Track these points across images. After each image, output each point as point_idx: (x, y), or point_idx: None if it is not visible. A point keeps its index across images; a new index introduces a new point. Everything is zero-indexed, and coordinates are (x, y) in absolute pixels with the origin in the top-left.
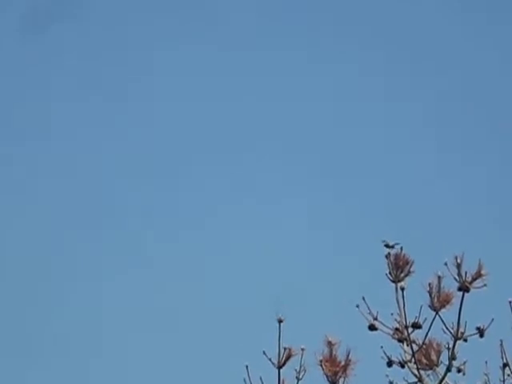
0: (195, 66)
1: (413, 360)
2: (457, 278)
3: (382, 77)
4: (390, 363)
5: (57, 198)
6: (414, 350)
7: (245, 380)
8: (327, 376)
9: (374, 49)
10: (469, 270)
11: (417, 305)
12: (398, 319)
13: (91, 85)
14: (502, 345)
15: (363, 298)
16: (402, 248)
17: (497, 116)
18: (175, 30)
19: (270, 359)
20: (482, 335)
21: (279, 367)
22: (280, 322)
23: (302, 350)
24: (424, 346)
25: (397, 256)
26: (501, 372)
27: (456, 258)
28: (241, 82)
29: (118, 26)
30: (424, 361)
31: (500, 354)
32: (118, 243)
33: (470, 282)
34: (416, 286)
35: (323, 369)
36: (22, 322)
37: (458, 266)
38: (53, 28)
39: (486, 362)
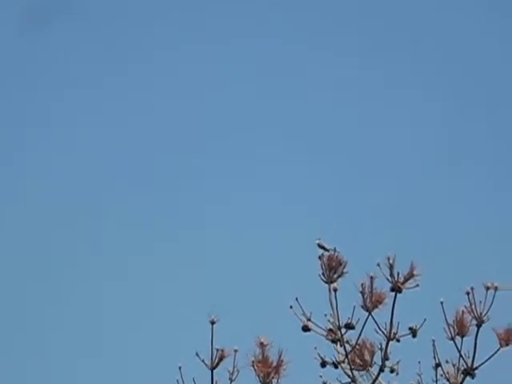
0: (195, 66)
1: (346, 360)
2: (389, 278)
3: (381, 71)
4: (323, 364)
5: (56, 198)
6: (348, 351)
7: (178, 381)
8: (259, 377)
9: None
10: (401, 270)
11: (350, 305)
12: (332, 320)
13: (91, 84)
14: (434, 345)
15: (296, 299)
16: (335, 249)
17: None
18: (175, 29)
19: (202, 360)
20: (414, 335)
21: (212, 368)
22: (213, 323)
23: (235, 351)
24: (357, 347)
25: (330, 257)
26: (433, 372)
27: (388, 259)
28: (241, 82)
29: (118, 25)
30: (357, 361)
31: (432, 353)
32: (118, 243)
33: (403, 283)
34: (349, 286)
35: (255, 370)
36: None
37: (391, 267)
38: (52, 26)
39: (419, 362)
